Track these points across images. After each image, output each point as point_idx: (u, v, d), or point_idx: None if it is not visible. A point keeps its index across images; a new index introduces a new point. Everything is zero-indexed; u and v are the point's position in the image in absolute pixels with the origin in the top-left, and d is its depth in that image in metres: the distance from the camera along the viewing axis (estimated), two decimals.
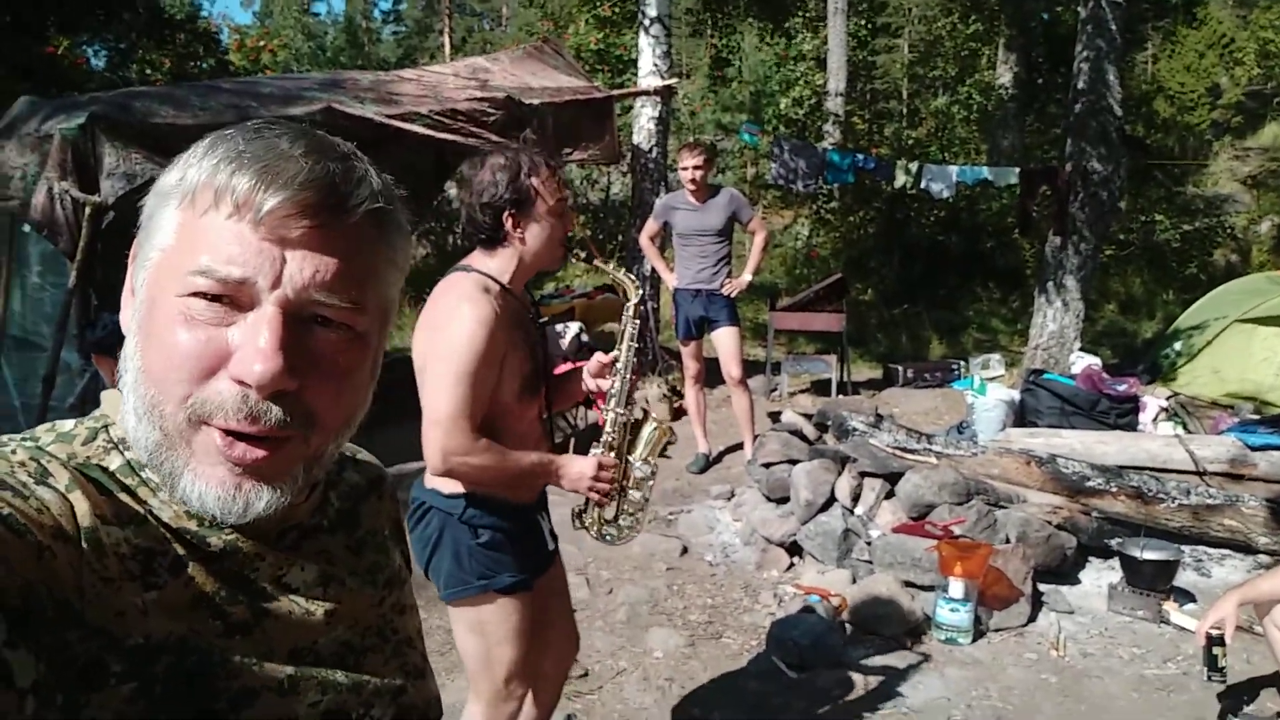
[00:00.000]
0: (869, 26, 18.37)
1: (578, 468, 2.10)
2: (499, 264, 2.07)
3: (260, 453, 0.67)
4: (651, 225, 5.79)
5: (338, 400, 0.71)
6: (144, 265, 0.70)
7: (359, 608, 0.81)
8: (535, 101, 6.24)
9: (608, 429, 2.17)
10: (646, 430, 2.25)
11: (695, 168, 5.32)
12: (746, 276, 5.58)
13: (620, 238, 11.37)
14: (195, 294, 0.66)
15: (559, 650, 2.42)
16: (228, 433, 0.66)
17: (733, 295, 5.49)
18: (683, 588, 4.09)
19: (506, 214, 2.02)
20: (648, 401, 6.92)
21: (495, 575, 2.07)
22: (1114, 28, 7.25)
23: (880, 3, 19.41)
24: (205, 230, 0.67)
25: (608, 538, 2.24)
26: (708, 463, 5.70)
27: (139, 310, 0.69)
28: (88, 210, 4.43)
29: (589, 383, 2.21)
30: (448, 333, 1.96)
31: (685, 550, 4.45)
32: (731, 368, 5.49)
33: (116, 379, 0.71)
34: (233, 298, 0.66)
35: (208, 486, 0.67)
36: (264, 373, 0.65)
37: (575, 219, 2.11)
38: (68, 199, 4.45)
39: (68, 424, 0.72)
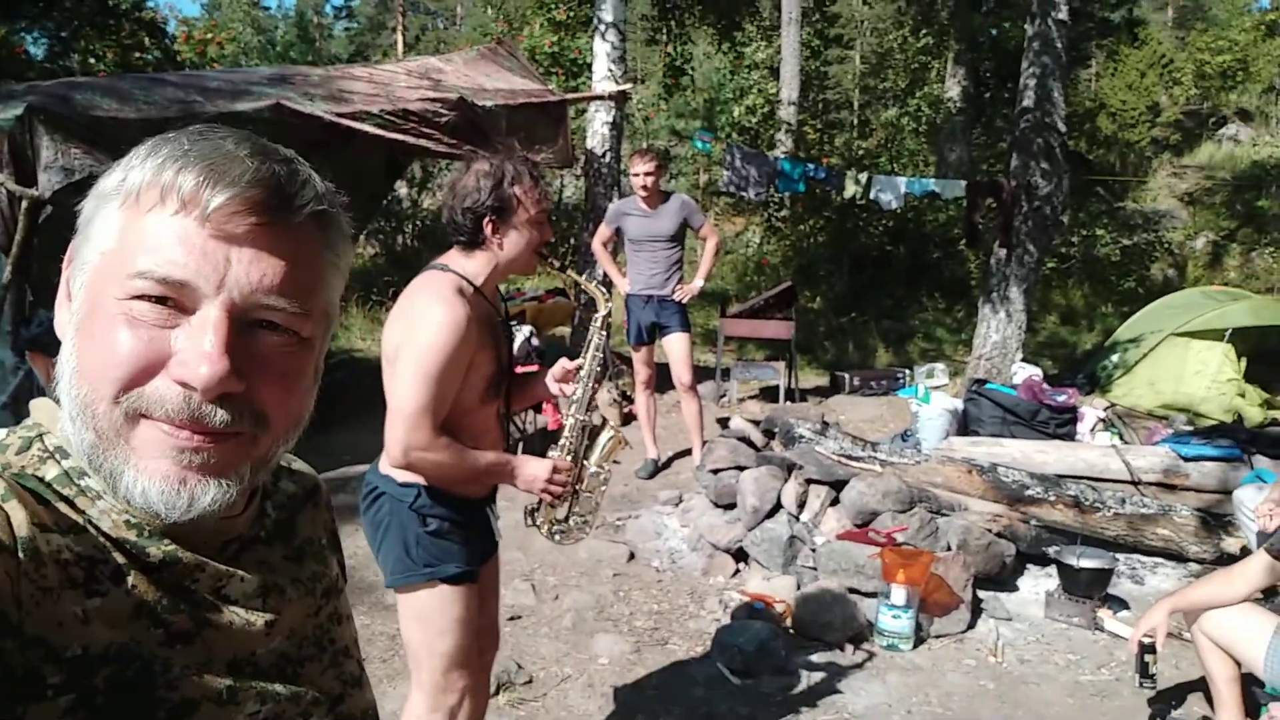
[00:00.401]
0: (822, 37, 18.57)
1: (532, 469, 2.16)
2: (475, 266, 2.12)
3: (207, 442, 0.66)
4: (604, 231, 5.80)
5: (286, 401, 0.71)
6: (82, 268, 0.69)
7: (297, 618, 0.81)
8: (488, 103, 6.21)
9: (566, 432, 2.25)
10: (604, 436, 2.31)
11: (647, 174, 5.34)
12: (698, 282, 5.61)
13: (572, 241, 11.35)
14: (137, 296, 0.65)
15: (484, 643, 2.42)
16: (152, 422, 0.66)
17: (684, 301, 5.51)
18: (629, 594, 4.09)
19: (487, 220, 2.07)
20: (596, 405, 6.92)
21: (440, 564, 2.10)
22: (1060, 45, 7.42)
23: (833, 14, 19.63)
24: (148, 230, 0.66)
25: (556, 536, 2.32)
26: (656, 468, 5.71)
27: (77, 313, 0.68)
28: (24, 204, 4.30)
29: (552, 387, 2.28)
30: (421, 331, 1.99)
31: (632, 556, 4.45)
32: (682, 373, 5.50)
33: (52, 378, 0.70)
34: (176, 300, 0.65)
35: (151, 481, 0.66)
36: (210, 375, 0.64)
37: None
38: (3, 192, 4.33)
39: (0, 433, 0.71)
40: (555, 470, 2.17)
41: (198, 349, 0.64)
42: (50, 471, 0.68)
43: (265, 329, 0.69)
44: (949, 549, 3.92)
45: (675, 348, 5.52)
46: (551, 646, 3.62)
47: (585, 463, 2.29)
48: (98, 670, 0.62)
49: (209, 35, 16.36)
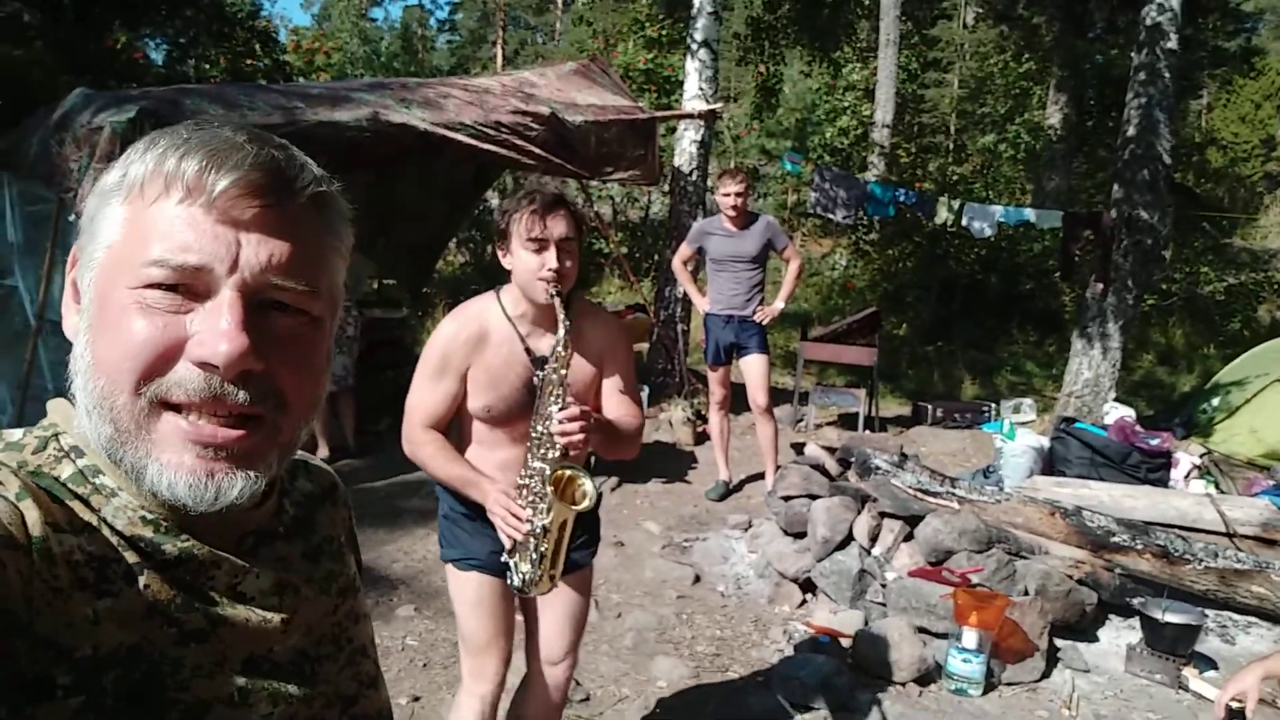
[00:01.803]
0: (920, 60, 18.30)
1: (493, 500, 2.13)
2: (510, 294, 2.21)
3: (232, 432, 0.67)
4: (685, 250, 5.78)
5: (302, 382, 0.71)
6: (89, 266, 0.69)
7: (314, 616, 0.81)
8: (579, 119, 6.26)
9: (522, 473, 2.12)
10: (577, 490, 2.10)
11: (736, 194, 5.32)
12: (779, 305, 5.57)
13: (655, 258, 11.37)
14: (150, 285, 0.66)
15: (529, 649, 2.46)
16: (175, 411, 0.67)
17: (764, 322, 5.47)
18: (692, 617, 4.04)
19: (498, 245, 2.18)
20: (670, 424, 6.89)
21: (448, 547, 2.32)
22: (1167, 76, 7.16)
23: (932, 37, 19.34)
24: (156, 219, 0.67)
25: (524, 588, 2.14)
26: (727, 490, 5.66)
27: (88, 310, 0.69)
28: None
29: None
30: (431, 336, 2.22)
31: (698, 579, 4.40)
32: (759, 395, 5.46)
33: None
34: (189, 286, 0.66)
35: (176, 475, 0.66)
36: (230, 352, 0.65)
37: (564, 262, 2.03)
38: None
39: (16, 433, 0.71)
40: (510, 514, 2.08)
41: (216, 328, 0.65)
42: (65, 470, 0.69)
43: (276, 310, 0.70)
44: (1026, 593, 3.77)
45: (753, 369, 5.47)
46: (611, 665, 3.60)
47: (538, 517, 2.08)
48: (107, 672, 0.62)
49: (316, 45, 16.92)
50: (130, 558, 0.67)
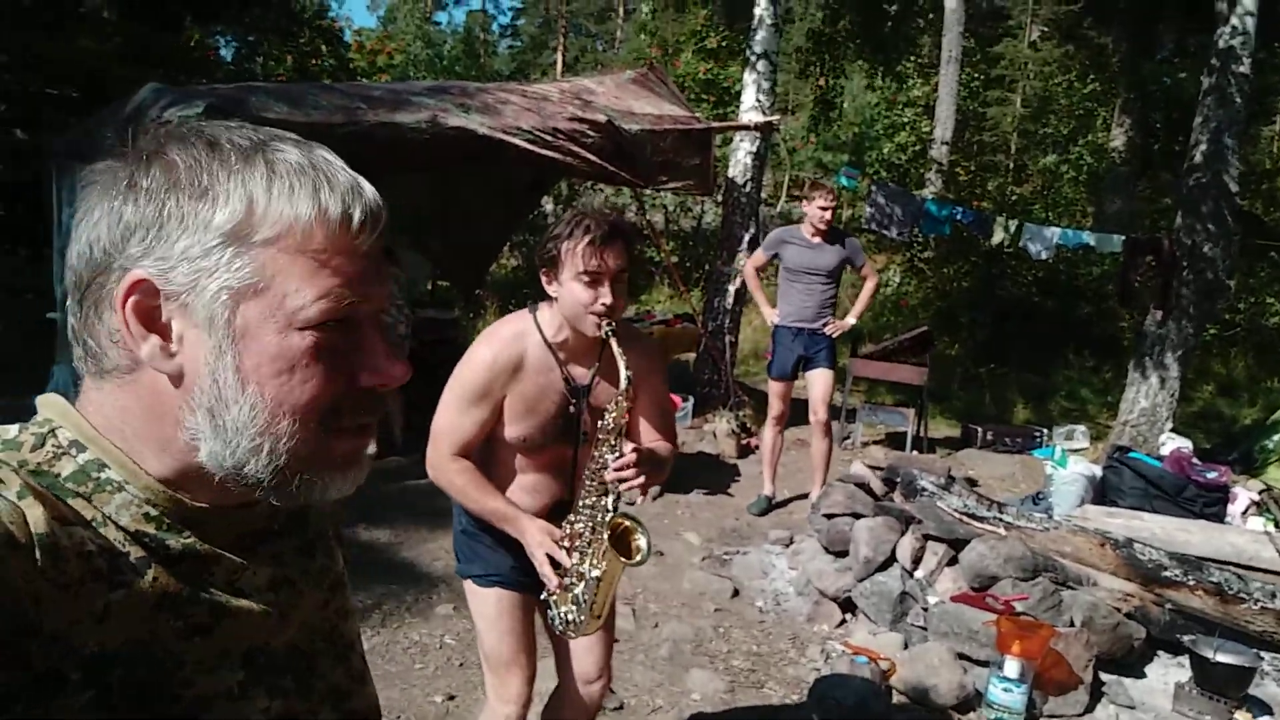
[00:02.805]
0: (982, 77, 18.07)
1: (533, 539, 2.07)
2: (547, 317, 2.12)
3: (370, 443, 0.75)
4: (760, 256, 5.76)
5: None
6: (205, 306, 0.68)
7: (308, 611, 0.82)
8: (635, 127, 6.27)
9: (571, 518, 2.07)
10: (633, 542, 2.02)
11: (826, 208, 5.32)
12: (851, 319, 5.61)
13: (706, 267, 11.33)
14: (321, 324, 0.69)
15: (562, 672, 2.42)
16: (348, 432, 0.72)
17: (834, 336, 5.47)
18: (729, 631, 4.02)
19: (543, 271, 2.07)
20: (715, 436, 6.87)
21: (467, 563, 2.26)
22: (1238, 100, 6.98)
23: (996, 55, 19.10)
24: (312, 256, 0.68)
25: (561, 628, 2.12)
26: (770, 505, 5.62)
27: (221, 350, 0.68)
28: None
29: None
30: (463, 361, 2.11)
31: (736, 593, 4.38)
32: (820, 409, 5.46)
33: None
34: (345, 319, 0.70)
35: (346, 484, 0.74)
36: (403, 373, 0.73)
37: (619, 293, 1.96)
38: None
39: (10, 430, 0.71)
40: (552, 560, 2.04)
41: (383, 354, 0.72)
42: (66, 468, 0.68)
43: None
44: (1072, 624, 3.69)
45: (818, 382, 5.46)
46: (645, 675, 3.59)
47: (585, 564, 2.02)
48: (115, 667, 0.63)
49: (380, 46, 17.17)
50: (136, 552, 0.68)
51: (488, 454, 2.20)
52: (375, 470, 4.90)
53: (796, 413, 5.80)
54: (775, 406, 5.61)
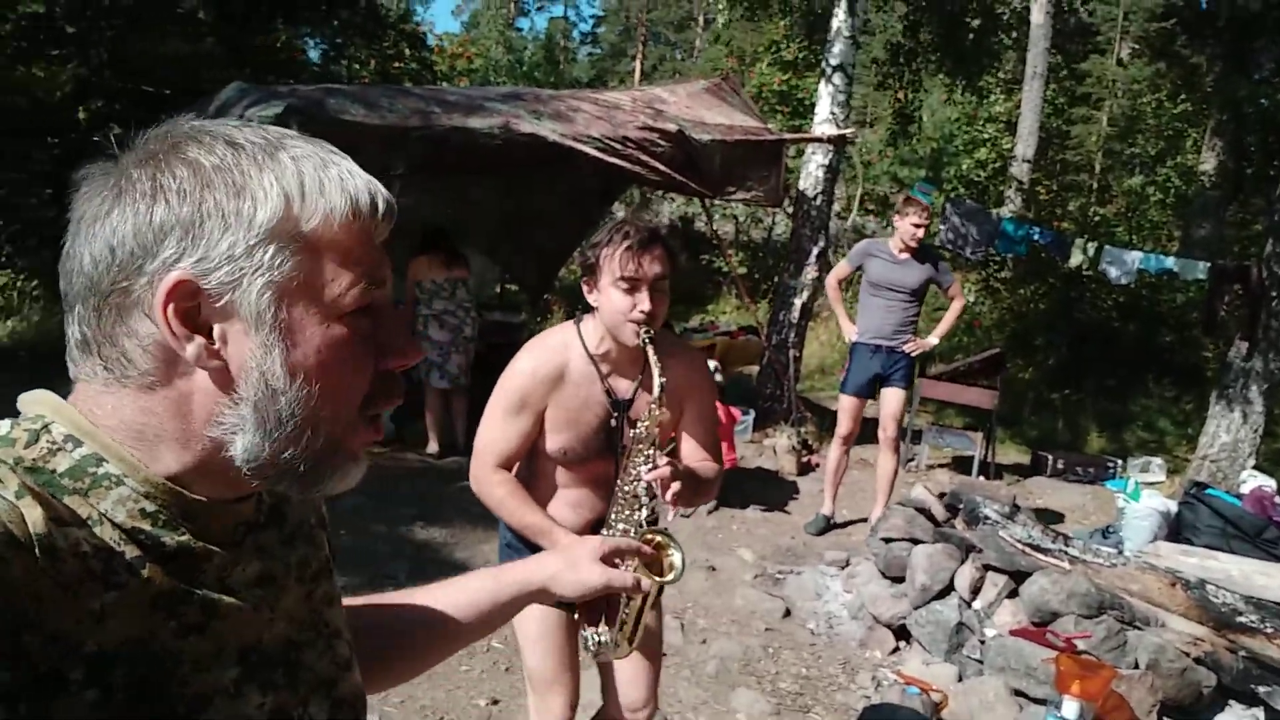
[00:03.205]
0: (1068, 95, 17.64)
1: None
2: (591, 326, 2.09)
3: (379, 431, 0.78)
4: (844, 268, 5.67)
5: None
6: (248, 301, 0.68)
7: (293, 603, 0.82)
8: (705, 138, 6.25)
9: (604, 533, 1.99)
10: (665, 560, 1.92)
11: (918, 224, 5.22)
12: (933, 339, 5.51)
13: (774, 279, 11.24)
14: (355, 311, 0.72)
15: (614, 695, 2.35)
16: (370, 421, 0.76)
17: (914, 355, 5.37)
18: (778, 652, 3.95)
19: (584, 279, 2.05)
20: (775, 451, 6.79)
21: None
22: None
23: (1082, 72, 18.63)
24: (345, 247, 0.71)
25: (594, 651, 2.04)
26: (828, 525, 5.53)
27: (270, 344, 0.69)
28: None
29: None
30: (507, 368, 2.10)
31: (788, 613, 4.31)
32: (890, 427, 5.39)
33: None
34: (370, 305, 0.73)
35: (358, 471, 0.76)
36: (418, 354, 0.78)
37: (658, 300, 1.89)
38: None
39: (3, 426, 0.70)
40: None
41: (403, 335, 0.76)
42: (62, 463, 0.67)
43: None
44: (1136, 667, 3.54)
45: (892, 400, 5.38)
46: (691, 692, 3.55)
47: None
48: (116, 667, 0.63)
49: (461, 50, 17.44)
50: (131, 551, 0.67)
51: (531, 467, 2.18)
52: (436, 470, 4.99)
53: (862, 431, 5.69)
54: (844, 424, 5.51)
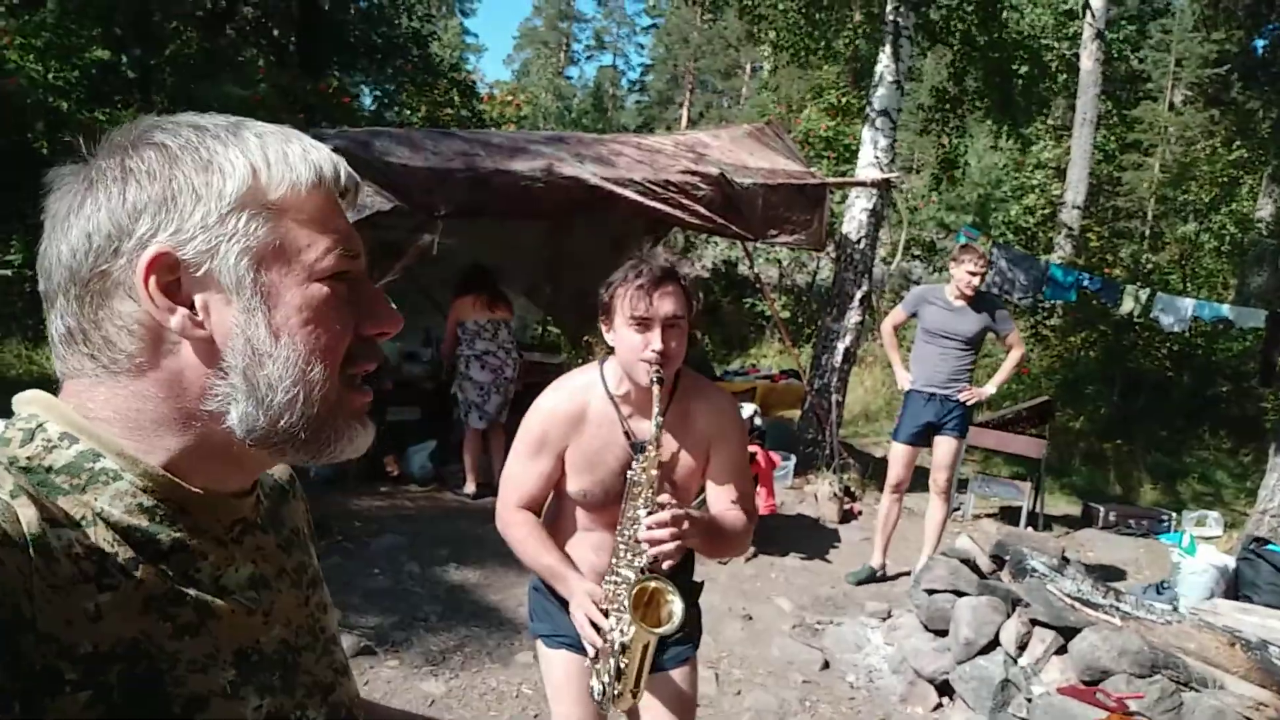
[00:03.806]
0: (1118, 141, 17.44)
1: (577, 599, 1.96)
2: (613, 367, 2.05)
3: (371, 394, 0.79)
4: (899, 314, 5.58)
5: None
6: (229, 269, 0.70)
7: (290, 607, 0.82)
8: (747, 181, 6.25)
9: (608, 577, 1.96)
10: (663, 609, 1.88)
11: (974, 273, 5.13)
12: (990, 389, 5.41)
13: (817, 323, 11.18)
14: (336, 274, 0.74)
15: None
16: (357, 383, 0.77)
17: (969, 404, 5.26)
18: (816, 705, 3.83)
19: (601, 317, 2.02)
20: (816, 498, 6.68)
21: (535, 621, 2.21)
22: None
23: (1134, 118, 18.42)
24: (315, 214, 0.73)
25: (603, 700, 1.99)
26: (872, 577, 5.39)
27: (251, 309, 0.71)
28: None
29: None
30: (530, 408, 2.09)
31: (827, 665, 4.19)
32: (940, 476, 5.29)
33: None
34: (348, 271, 0.75)
35: (365, 435, 0.77)
36: (400, 321, 0.79)
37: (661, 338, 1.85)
38: None
39: None
40: (590, 621, 1.93)
41: (383, 304, 0.78)
42: (58, 461, 0.68)
43: None
44: None
45: (944, 449, 5.28)
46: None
47: (619, 632, 1.89)
48: (110, 667, 0.64)
49: (510, 98, 17.75)
50: (125, 552, 0.67)
51: (556, 508, 2.14)
52: (471, 510, 4.96)
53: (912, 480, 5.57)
54: (895, 473, 5.39)
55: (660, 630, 1.83)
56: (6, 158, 8.66)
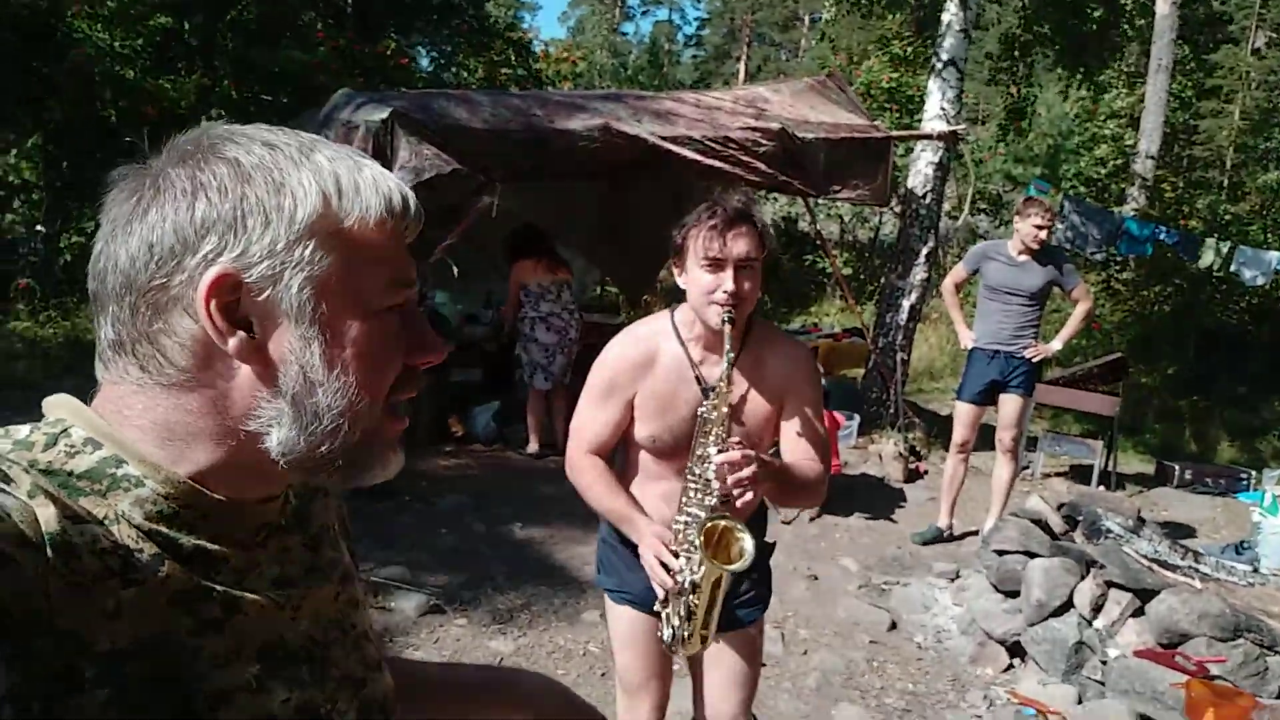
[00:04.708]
0: (1195, 88, 16.73)
1: (647, 541, 1.96)
2: (683, 313, 2.05)
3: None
4: (960, 271, 5.46)
5: None
6: (294, 296, 0.70)
7: (320, 603, 0.82)
8: (809, 136, 6.11)
9: (678, 518, 1.95)
10: (734, 546, 1.86)
11: (1041, 226, 4.99)
12: (1056, 344, 5.27)
13: (881, 280, 10.99)
14: (391, 307, 0.74)
15: (702, 708, 2.24)
16: (396, 411, 0.77)
17: (1035, 360, 5.14)
18: (883, 666, 3.81)
19: (674, 261, 2.01)
20: (880, 458, 6.60)
21: (602, 574, 2.23)
22: None
23: (1213, 64, 17.64)
24: (379, 246, 0.73)
25: (672, 645, 1.99)
26: (939, 537, 5.32)
27: (310, 338, 0.71)
28: None
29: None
30: (599, 356, 2.11)
31: (894, 625, 4.15)
32: (1006, 434, 5.20)
33: None
34: (402, 302, 0.76)
35: (397, 460, 0.78)
36: (444, 352, 0.79)
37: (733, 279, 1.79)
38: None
39: (22, 430, 0.71)
40: (661, 562, 1.92)
41: (429, 334, 0.78)
42: (80, 465, 0.68)
43: None
44: (1279, 696, 3.28)
45: (1010, 407, 5.18)
46: (791, 705, 3.44)
47: (690, 571, 1.88)
48: (129, 664, 0.63)
49: (565, 55, 17.62)
50: (150, 549, 0.68)
51: (625, 457, 2.15)
52: (534, 469, 5.00)
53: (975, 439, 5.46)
54: (960, 432, 5.30)
55: (732, 567, 1.82)
56: (79, 128, 8.86)
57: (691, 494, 1.92)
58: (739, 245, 1.89)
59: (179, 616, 0.68)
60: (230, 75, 9.73)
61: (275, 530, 0.80)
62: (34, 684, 0.58)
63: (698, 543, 1.82)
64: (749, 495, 1.75)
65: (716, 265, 1.89)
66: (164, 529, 0.69)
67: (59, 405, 0.73)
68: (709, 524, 1.84)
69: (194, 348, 0.69)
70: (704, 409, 1.91)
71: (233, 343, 0.68)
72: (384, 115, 4.94)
